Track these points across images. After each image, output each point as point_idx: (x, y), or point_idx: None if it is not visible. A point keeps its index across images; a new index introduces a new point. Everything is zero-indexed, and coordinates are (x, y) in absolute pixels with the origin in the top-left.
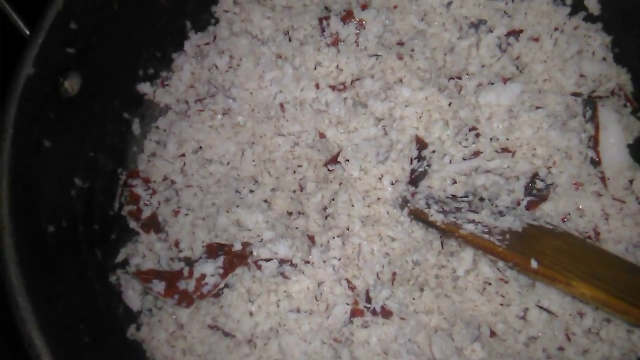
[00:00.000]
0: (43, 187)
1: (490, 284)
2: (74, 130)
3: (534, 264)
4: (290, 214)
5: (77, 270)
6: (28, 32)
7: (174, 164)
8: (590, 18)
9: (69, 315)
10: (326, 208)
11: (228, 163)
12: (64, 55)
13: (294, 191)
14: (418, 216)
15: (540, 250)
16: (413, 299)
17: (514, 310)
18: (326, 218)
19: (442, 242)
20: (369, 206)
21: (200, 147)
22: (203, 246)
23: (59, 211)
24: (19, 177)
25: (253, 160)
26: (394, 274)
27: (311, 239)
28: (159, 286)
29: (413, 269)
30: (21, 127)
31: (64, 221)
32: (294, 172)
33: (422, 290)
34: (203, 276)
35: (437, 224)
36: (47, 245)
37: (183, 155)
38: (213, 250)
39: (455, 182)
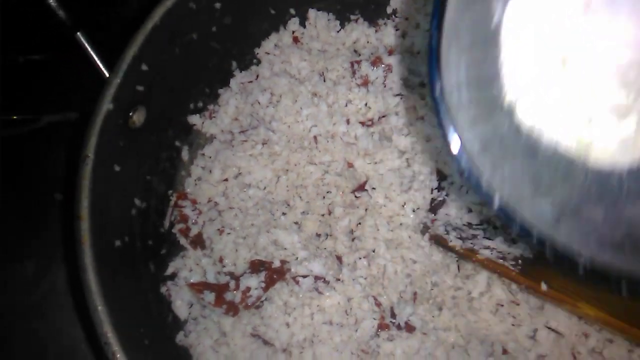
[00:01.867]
0: (112, 206)
1: (502, 305)
2: (136, 157)
3: (544, 286)
4: (319, 235)
5: (135, 281)
6: (107, 74)
7: (217, 187)
8: None
9: (131, 320)
10: (353, 231)
11: (264, 188)
12: (135, 92)
13: (323, 215)
14: (438, 241)
15: (550, 275)
16: (432, 316)
17: (525, 331)
18: (353, 240)
19: (458, 266)
20: (392, 230)
21: (240, 173)
22: (246, 262)
23: (123, 228)
24: (96, 198)
25: (287, 186)
26: (415, 293)
27: (339, 259)
28: (209, 297)
29: (432, 289)
30: (99, 154)
31: (126, 237)
32: (324, 197)
33: (440, 309)
34: (248, 289)
35: (456, 249)
36: (114, 258)
37: (226, 180)
38: (255, 266)
39: (471, 211)
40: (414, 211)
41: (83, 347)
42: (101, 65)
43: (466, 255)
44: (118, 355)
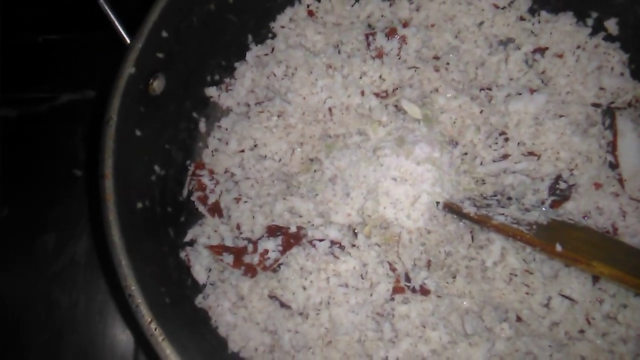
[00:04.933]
0: (134, 170)
1: (516, 275)
2: (155, 124)
3: (558, 247)
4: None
5: (156, 244)
6: (128, 41)
7: (234, 158)
8: (609, 38)
9: (153, 279)
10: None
11: (280, 160)
12: (155, 59)
13: None
14: (452, 209)
15: (564, 239)
16: (447, 283)
17: (538, 299)
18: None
19: (472, 236)
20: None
21: (256, 144)
22: (263, 228)
23: (143, 192)
24: (119, 158)
25: (301, 158)
26: (429, 261)
27: (352, 230)
28: (228, 258)
29: (446, 258)
30: (122, 116)
31: (147, 201)
32: None
33: (454, 277)
34: (266, 251)
35: (471, 215)
36: (136, 218)
37: (242, 151)
38: (272, 231)
39: (485, 183)
40: None
41: (100, 316)
42: (122, 32)
43: (480, 221)
44: (142, 307)
